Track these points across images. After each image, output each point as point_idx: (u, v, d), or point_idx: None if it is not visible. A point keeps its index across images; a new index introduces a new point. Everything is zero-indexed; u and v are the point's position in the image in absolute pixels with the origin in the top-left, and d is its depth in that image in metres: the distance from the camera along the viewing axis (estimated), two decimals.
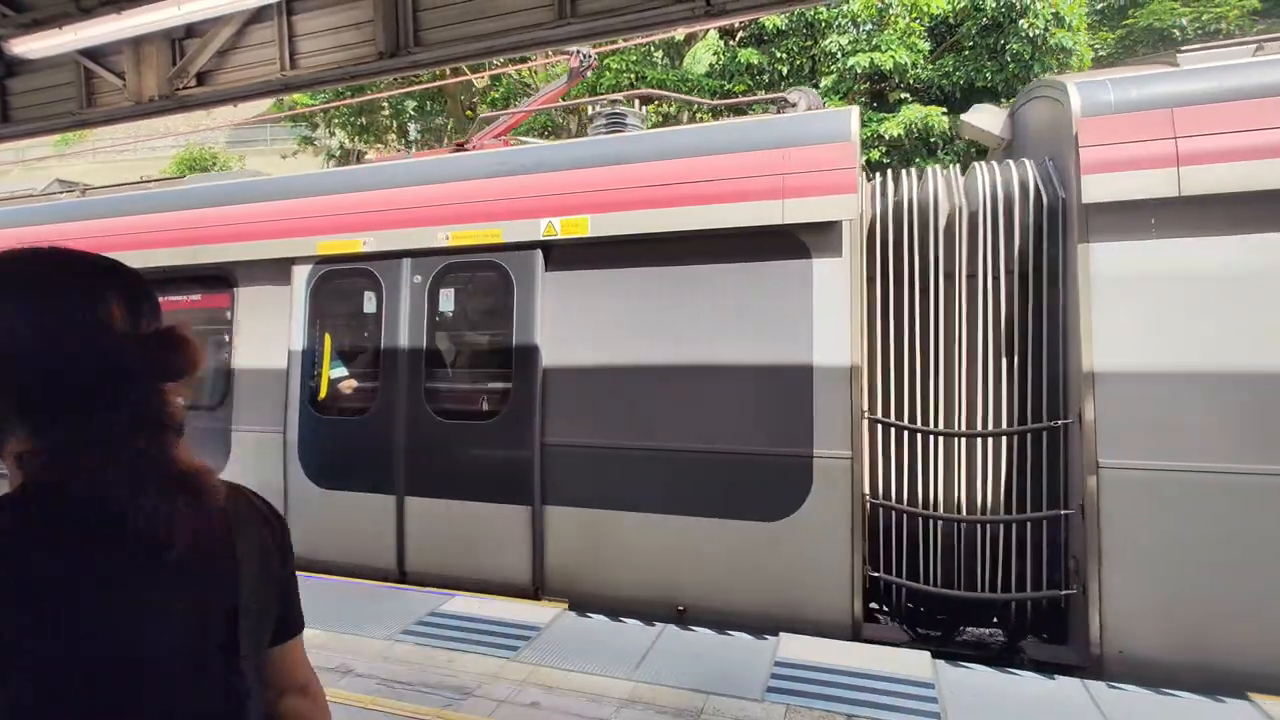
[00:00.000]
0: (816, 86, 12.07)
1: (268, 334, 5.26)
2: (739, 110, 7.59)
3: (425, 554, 4.79)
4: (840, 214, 3.95)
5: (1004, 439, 4.01)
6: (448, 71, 13.52)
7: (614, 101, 5.75)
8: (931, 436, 4.11)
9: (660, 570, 4.28)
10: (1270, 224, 3.39)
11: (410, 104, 17.46)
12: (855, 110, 4.15)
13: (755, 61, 12.18)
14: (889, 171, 4.52)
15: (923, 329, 4.16)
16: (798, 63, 12.22)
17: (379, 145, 18.78)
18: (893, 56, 11.42)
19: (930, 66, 12.07)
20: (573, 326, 4.54)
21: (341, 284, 5.24)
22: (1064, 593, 3.80)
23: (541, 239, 4.52)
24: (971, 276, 4.08)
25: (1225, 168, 3.41)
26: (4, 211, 6.62)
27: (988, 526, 4.01)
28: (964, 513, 4.06)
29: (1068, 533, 3.86)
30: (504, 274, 4.69)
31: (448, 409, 4.89)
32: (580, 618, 4.12)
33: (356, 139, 17.85)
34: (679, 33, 13.73)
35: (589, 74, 6.59)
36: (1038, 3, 11.19)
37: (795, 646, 3.70)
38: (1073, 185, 3.76)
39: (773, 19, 12.01)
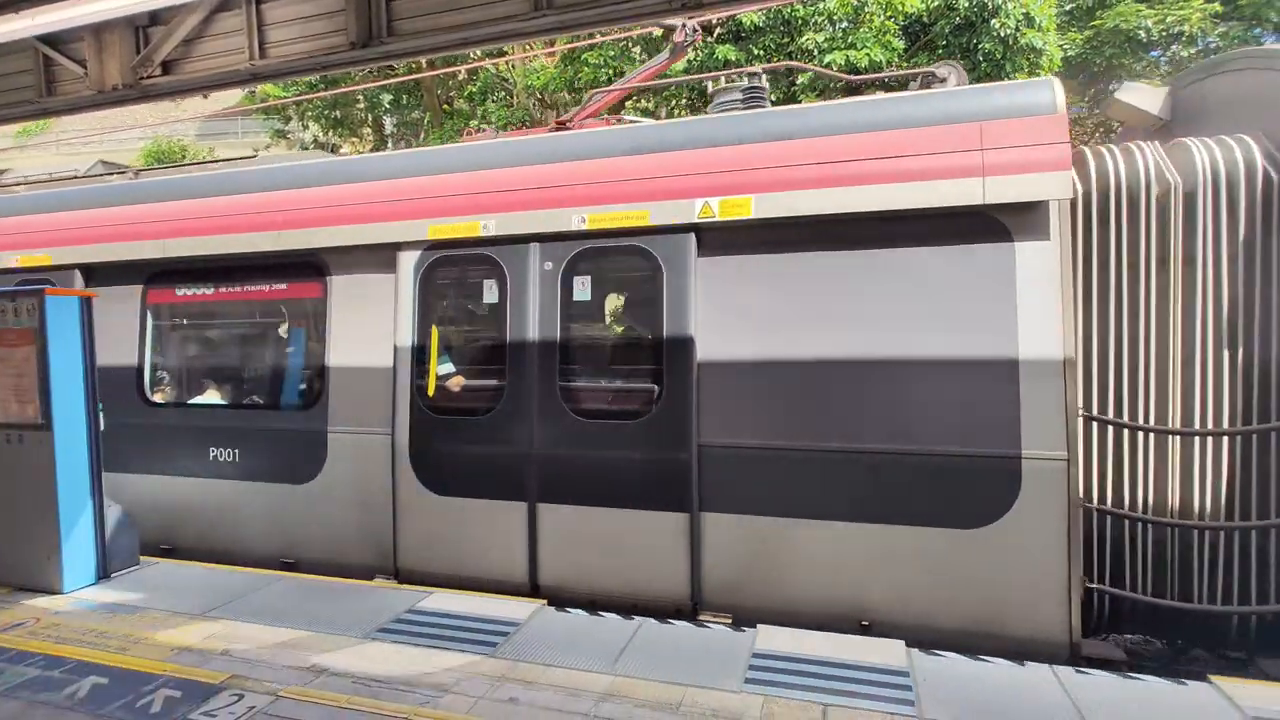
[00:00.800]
0: (794, 84, 12.16)
1: (369, 326, 4.87)
2: (852, 89, 7.10)
3: (563, 566, 4.43)
4: (1053, 192, 3.60)
5: (1226, 439, 3.73)
6: (424, 64, 13.37)
7: (751, 75, 5.27)
8: (1147, 435, 3.82)
9: (841, 582, 3.92)
10: None
11: (385, 97, 17.23)
12: (1056, 81, 3.84)
13: (733, 58, 12.20)
14: (1088, 148, 4.17)
15: (1131, 318, 3.83)
16: (775, 59, 12.26)
17: (354, 139, 18.50)
18: (868, 54, 11.51)
19: (905, 64, 12.19)
20: (732, 317, 4.15)
21: (457, 271, 4.90)
22: None
23: (696, 221, 4.15)
24: (1189, 261, 3.77)
25: None
26: (49, 195, 6.15)
27: (1220, 534, 3.72)
28: (1196, 518, 3.75)
29: None
30: (651, 260, 4.29)
31: (588, 407, 4.53)
32: (559, 613, 4.11)
33: (331, 132, 17.58)
34: (657, 28, 13.74)
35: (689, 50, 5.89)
36: (1009, 3, 11.36)
37: (773, 637, 3.72)
38: None
39: (750, 16, 12.04)
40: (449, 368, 4.86)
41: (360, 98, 16.57)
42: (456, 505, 4.63)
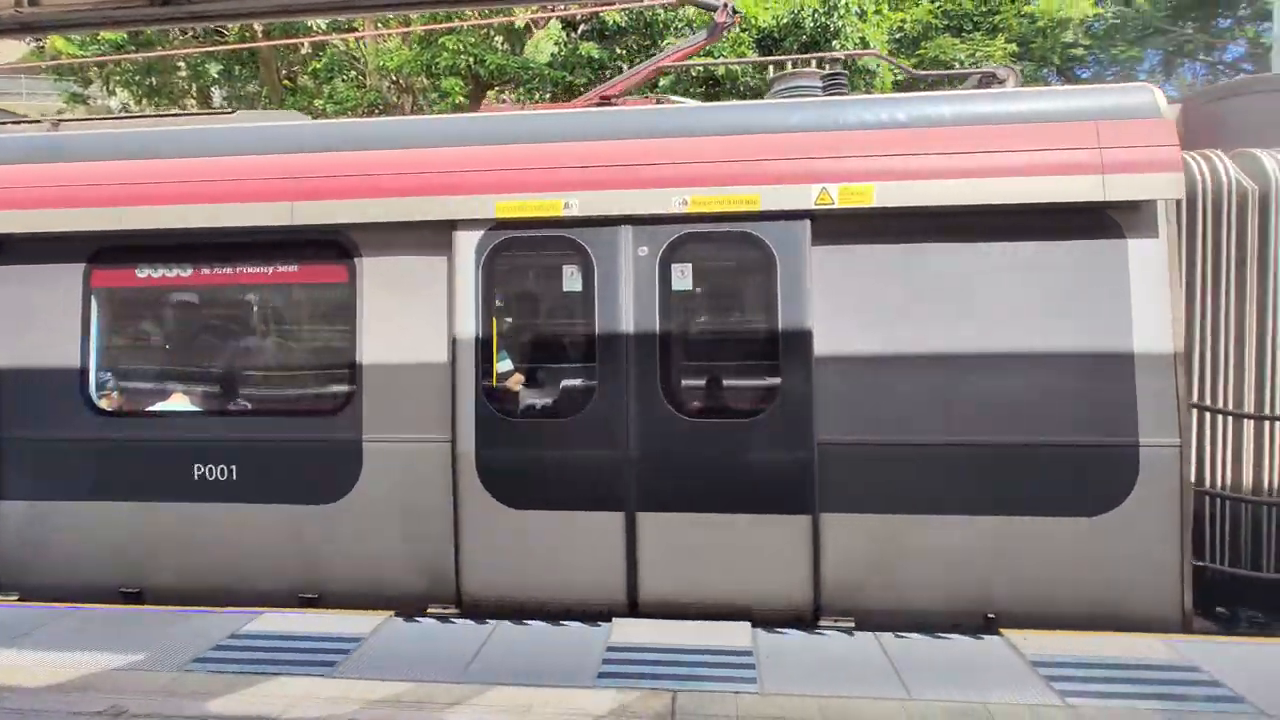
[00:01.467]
0: (655, 86, 12.42)
1: (415, 316, 4.24)
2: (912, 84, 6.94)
3: (668, 579, 4.07)
4: (1166, 192, 3.74)
5: None
6: (259, 33, 12.15)
7: (833, 61, 5.08)
8: (1254, 423, 4.04)
9: (967, 577, 3.88)
10: None
11: (214, 66, 15.47)
12: (1155, 87, 4.05)
13: (596, 55, 12.25)
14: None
15: (1238, 313, 4.07)
16: (636, 61, 12.47)
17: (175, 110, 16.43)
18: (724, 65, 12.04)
19: (757, 75, 12.89)
20: (850, 309, 3.98)
21: (530, 255, 4.40)
22: None
23: (812, 208, 3.95)
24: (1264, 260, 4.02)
25: None
26: None
27: None
28: None
29: None
30: (761, 247, 4.04)
31: (694, 407, 4.24)
32: (407, 623, 3.91)
33: (145, 101, 15.49)
34: (520, 18, 13.47)
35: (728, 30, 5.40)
36: (848, 27, 12.34)
37: (627, 630, 3.75)
38: None
39: (614, 15, 12.16)
40: (506, 365, 4.38)
41: (182, 64, 14.76)
42: (541, 520, 4.16)
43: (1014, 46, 16.07)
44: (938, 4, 16.39)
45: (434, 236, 4.23)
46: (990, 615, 3.85)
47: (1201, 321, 4.13)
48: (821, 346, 4.00)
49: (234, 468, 4.34)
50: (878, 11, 13.03)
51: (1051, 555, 3.85)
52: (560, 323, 4.65)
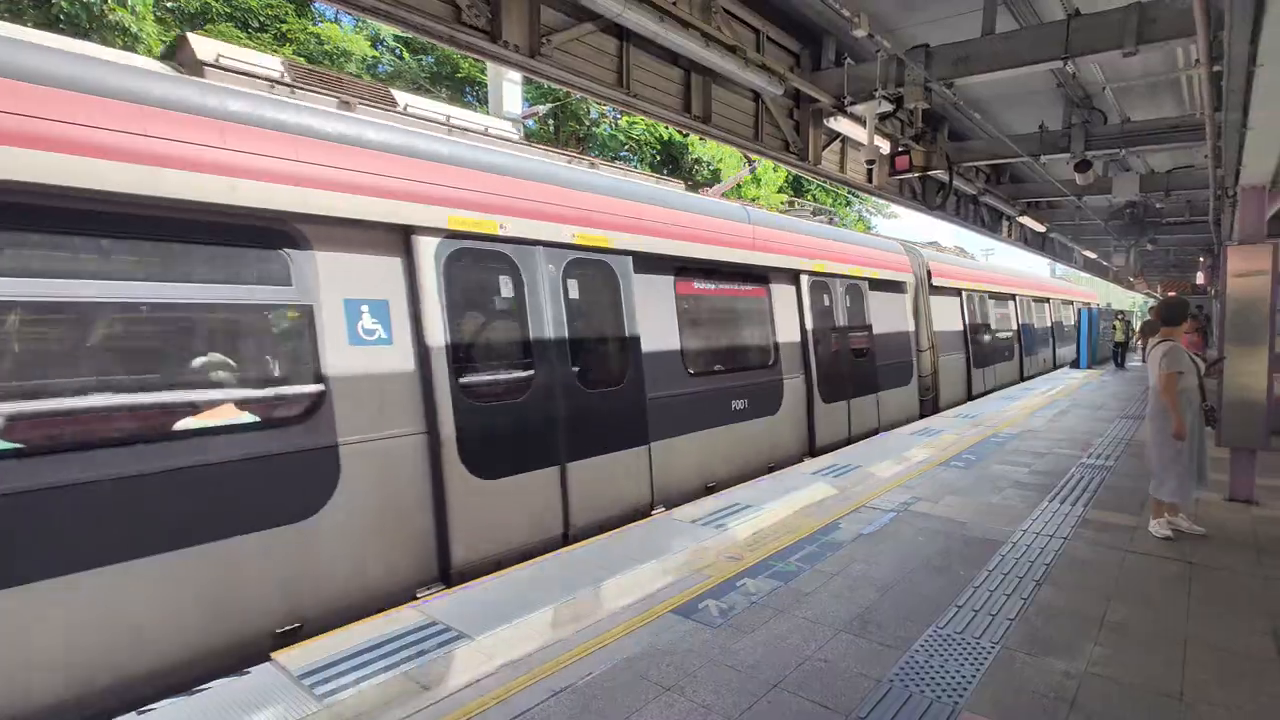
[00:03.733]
0: None
1: None
2: None
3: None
4: None
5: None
6: None
7: None
8: None
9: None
10: None
11: None
12: None
13: None
14: None
15: None
16: None
17: None
18: None
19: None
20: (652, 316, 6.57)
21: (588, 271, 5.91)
22: None
23: (633, 249, 6.29)
24: None
25: None
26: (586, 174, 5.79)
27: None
28: None
29: None
30: (609, 271, 6.13)
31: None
32: None
33: None
34: None
35: None
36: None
37: (295, 657, 3.43)
38: None
39: None
40: None
41: None
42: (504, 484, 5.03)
43: (303, 60, 16.37)
44: None
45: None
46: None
47: None
48: (644, 340, 6.19)
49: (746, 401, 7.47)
50: None
51: None
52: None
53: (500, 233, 5.01)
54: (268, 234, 3.96)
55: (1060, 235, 20.71)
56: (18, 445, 3.09)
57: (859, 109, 7.75)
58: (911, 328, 11.57)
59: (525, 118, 12.74)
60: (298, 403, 4.04)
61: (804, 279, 8.66)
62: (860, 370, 9.91)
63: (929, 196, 12.03)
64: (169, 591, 3.48)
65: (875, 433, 10.15)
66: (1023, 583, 4.41)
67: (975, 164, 11.88)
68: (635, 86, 6.53)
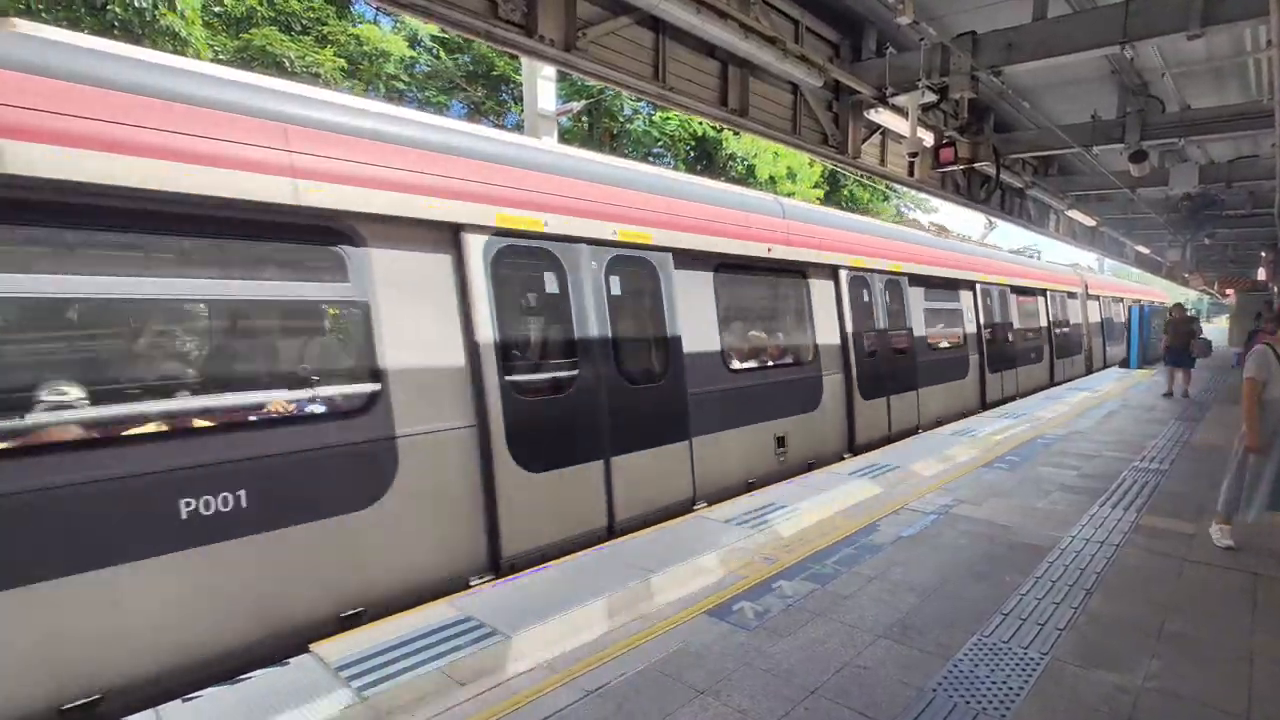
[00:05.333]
0: None
1: None
2: None
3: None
4: None
5: None
6: None
7: None
8: None
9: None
10: None
11: None
12: None
13: None
14: None
15: None
16: None
17: None
18: None
19: None
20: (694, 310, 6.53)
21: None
22: None
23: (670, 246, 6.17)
24: None
25: None
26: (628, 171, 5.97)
27: None
28: None
29: None
30: (649, 267, 6.11)
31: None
32: None
33: None
34: None
35: None
36: None
37: (337, 648, 3.44)
38: None
39: None
40: None
41: None
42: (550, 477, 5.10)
43: (344, 62, 16.69)
44: None
45: None
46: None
47: None
48: (684, 338, 6.16)
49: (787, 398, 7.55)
50: None
51: None
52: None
53: (545, 230, 5.04)
54: (331, 233, 4.06)
55: (1111, 230, 19.94)
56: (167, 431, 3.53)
57: (901, 100, 7.55)
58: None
59: (560, 115, 12.75)
60: (360, 396, 4.15)
61: (843, 274, 8.50)
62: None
63: (974, 190, 11.69)
64: (267, 566, 3.70)
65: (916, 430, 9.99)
66: (1072, 591, 4.23)
67: (1022, 156, 11.48)
68: (671, 80, 6.46)
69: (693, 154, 21.42)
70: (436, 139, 4.55)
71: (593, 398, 5.36)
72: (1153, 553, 4.87)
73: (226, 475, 3.55)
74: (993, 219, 15.47)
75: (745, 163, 21.62)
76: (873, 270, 9.02)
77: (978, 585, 4.33)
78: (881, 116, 8.28)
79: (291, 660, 3.41)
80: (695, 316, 6.38)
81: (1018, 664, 3.39)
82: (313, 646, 3.52)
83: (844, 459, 8.13)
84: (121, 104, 3.31)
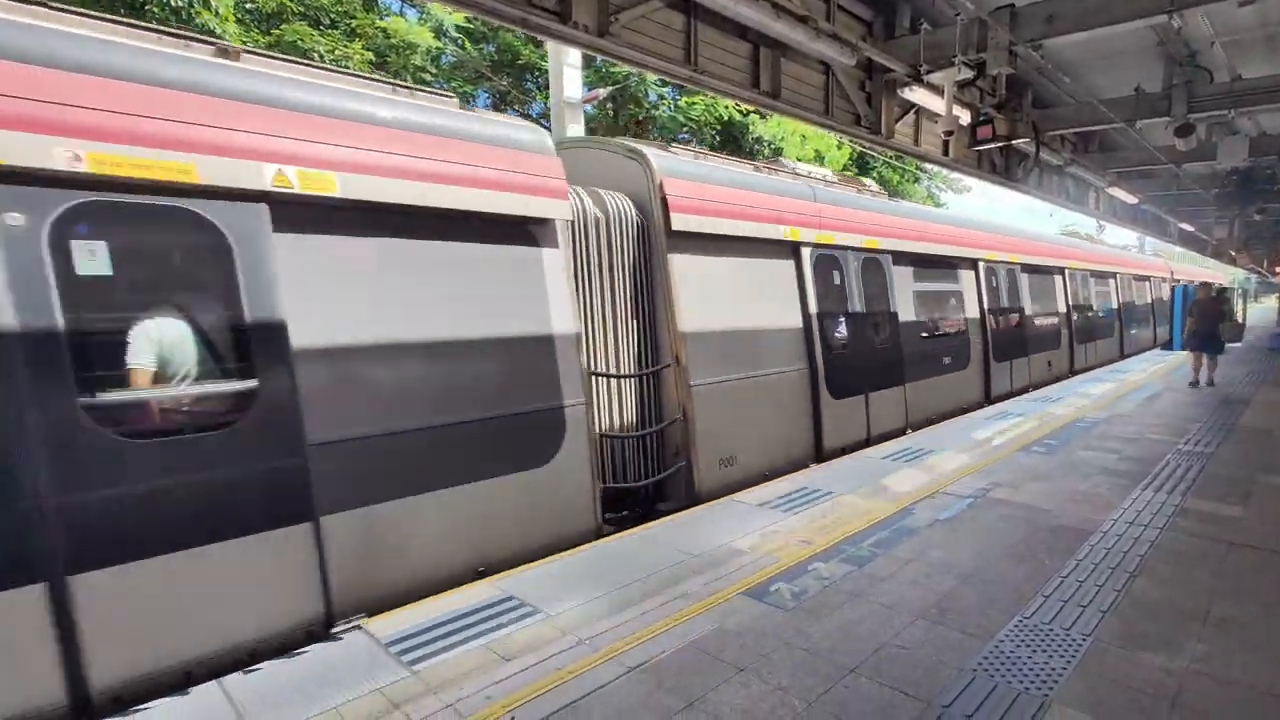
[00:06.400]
0: None
1: None
2: None
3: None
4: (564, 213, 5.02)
5: (635, 380, 5.97)
6: None
7: None
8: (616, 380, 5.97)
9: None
10: None
11: None
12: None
13: None
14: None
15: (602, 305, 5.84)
16: None
17: None
18: None
19: None
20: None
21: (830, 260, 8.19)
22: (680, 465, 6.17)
23: None
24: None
25: None
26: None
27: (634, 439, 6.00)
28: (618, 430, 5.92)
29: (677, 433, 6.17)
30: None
31: None
32: None
33: None
34: None
35: None
36: None
37: (384, 625, 3.63)
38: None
39: None
40: None
41: None
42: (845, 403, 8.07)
43: (371, 55, 16.87)
44: None
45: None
46: (481, 569, 4.43)
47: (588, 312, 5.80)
48: (900, 313, 9.21)
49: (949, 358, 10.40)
50: None
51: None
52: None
53: (833, 242, 7.78)
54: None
55: (1154, 207, 19.31)
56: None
57: (936, 77, 7.40)
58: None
59: (585, 102, 12.74)
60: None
61: (981, 265, 11.28)
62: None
63: (1011, 169, 11.41)
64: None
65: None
66: (1115, 574, 4.18)
67: (1062, 132, 11.16)
68: (703, 63, 6.42)
69: (718, 139, 21.23)
70: (872, 204, 8.89)
71: (858, 354, 8.09)
72: (1198, 536, 4.78)
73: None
74: (1102, 222, 15.48)
75: (772, 146, 21.37)
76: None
77: (1017, 568, 4.31)
78: (916, 94, 8.13)
79: (344, 636, 3.55)
80: (904, 298, 9.11)
81: (1060, 645, 3.37)
82: (363, 623, 3.66)
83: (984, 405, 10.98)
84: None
